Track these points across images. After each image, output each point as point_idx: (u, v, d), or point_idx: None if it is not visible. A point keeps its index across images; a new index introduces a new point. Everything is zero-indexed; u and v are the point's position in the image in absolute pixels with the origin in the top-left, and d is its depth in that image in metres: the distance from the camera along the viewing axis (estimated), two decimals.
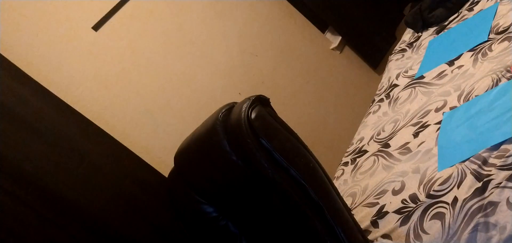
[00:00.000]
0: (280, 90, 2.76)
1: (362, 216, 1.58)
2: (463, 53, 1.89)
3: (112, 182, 1.85)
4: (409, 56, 2.30)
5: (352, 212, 1.62)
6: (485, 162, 1.34)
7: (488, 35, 1.83)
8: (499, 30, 1.80)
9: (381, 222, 1.51)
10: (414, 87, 1.99)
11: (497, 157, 1.32)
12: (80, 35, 2.16)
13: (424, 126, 1.71)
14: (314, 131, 2.76)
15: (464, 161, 1.40)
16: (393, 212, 1.49)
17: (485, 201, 1.25)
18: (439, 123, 1.65)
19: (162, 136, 2.24)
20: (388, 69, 2.37)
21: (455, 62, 1.89)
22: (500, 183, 1.25)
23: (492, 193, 1.25)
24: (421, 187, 1.47)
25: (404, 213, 1.45)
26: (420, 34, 2.37)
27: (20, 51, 1.91)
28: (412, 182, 1.52)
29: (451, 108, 1.66)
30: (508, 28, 1.75)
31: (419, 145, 1.64)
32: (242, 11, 2.73)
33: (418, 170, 1.54)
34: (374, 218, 1.54)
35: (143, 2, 2.38)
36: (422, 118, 1.76)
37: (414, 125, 1.77)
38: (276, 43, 2.84)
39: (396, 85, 2.15)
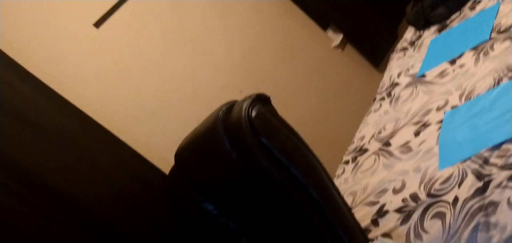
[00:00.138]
0: (281, 88, 2.76)
1: (363, 215, 1.58)
2: (464, 52, 1.88)
3: (112, 179, 1.86)
4: (410, 55, 2.29)
5: (353, 211, 1.62)
6: (486, 161, 1.34)
7: (490, 34, 1.82)
8: (501, 29, 1.79)
9: (381, 221, 1.51)
10: (416, 86, 1.98)
11: (498, 157, 1.32)
12: (82, 32, 2.17)
13: (425, 125, 1.70)
14: (315, 129, 2.76)
15: (465, 161, 1.40)
16: (393, 211, 1.49)
17: (486, 201, 1.24)
18: (440, 122, 1.64)
19: (162, 133, 2.24)
20: (390, 67, 2.37)
21: (456, 61, 1.88)
22: (501, 183, 1.24)
23: (493, 193, 1.24)
24: (422, 186, 1.47)
25: (404, 212, 1.45)
26: (422, 32, 2.37)
27: (21, 48, 1.91)
28: (412, 181, 1.52)
29: (452, 107, 1.66)
30: (510, 27, 1.74)
31: (420, 144, 1.64)
32: (243, 8, 2.73)
33: (419, 169, 1.54)
34: (374, 217, 1.54)
35: (145, 0, 2.38)
36: (423, 117, 1.75)
37: (415, 124, 1.77)
38: (278, 41, 2.83)
39: (397, 84, 2.14)
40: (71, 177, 1.76)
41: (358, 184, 1.78)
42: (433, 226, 1.33)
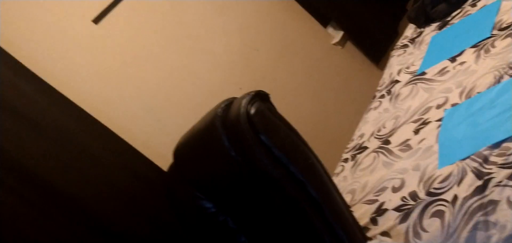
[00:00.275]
0: (281, 85, 2.75)
1: (361, 213, 1.58)
2: (465, 50, 1.87)
3: (111, 176, 1.85)
4: (411, 52, 2.28)
5: (352, 209, 1.62)
6: (486, 160, 1.33)
7: (491, 31, 1.81)
8: (503, 26, 1.78)
9: (380, 220, 1.50)
10: (416, 84, 1.97)
11: (498, 155, 1.31)
12: (80, 28, 2.15)
13: (425, 123, 1.69)
14: (315, 126, 2.75)
15: (464, 159, 1.39)
16: (392, 209, 1.49)
17: (486, 200, 1.24)
18: (440, 120, 1.63)
19: (161, 130, 2.23)
20: (390, 65, 2.36)
21: (457, 58, 1.87)
22: (501, 181, 1.24)
23: (492, 191, 1.24)
24: (421, 184, 1.46)
25: (403, 211, 1.44)
26: (422, 29, 2.36)
27: (18, 44, 1.90)
28: (412, 179, 1.51)
29: (452, 105, 1.65)
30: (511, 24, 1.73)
31: (419, 142, 1.63)
32: (243, 5, 2.71)
33: (418, 167, 1.53)
34: (373, 215, 1.54)
35: None
36: (423, 115, 1.75)
37: (415, 121, 1.76)
38: (277, 38, 2.82)
39: (397, 81, 2.13)
40: (70, 174, 1.75)
41: (357, 182, 1.77)
42: (432, 224, 1.32)
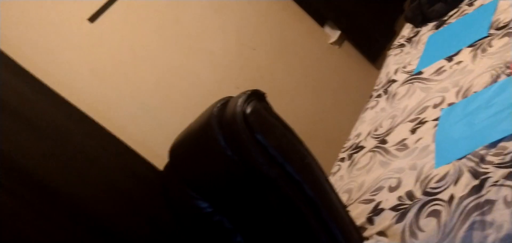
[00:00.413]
0: (278, 85, 2.74)
1: (358, 213, 1.57)
2: (462, 49, 1.87)
3: (107, 176, 1.84)
4: (408, 51, 2.28)
5: (348, 209, 1.61)
6: (482, 159, 1.33)
7: (488, 31, 1.81)
8: (499, 26, 1.78)
9: (376, 219, 1.50)
10: (413, 83, 1.97)
11: (495, 155, 1.31)
12: (76, 26, 2.14)
13: (422, 123, 1.69)
14: (311, 126, 2.75)
15: (461, 159, 1.38)
16: (389, 209, 1.48)
17: (482, 199, 1.23)
18: (437, 119, 1.63)
19: (158, 129, 2.22)
20: (387, 64, 2.36)
21: (454, 58, 1.87)
22: (497, 181, 1.23)
23: (489, 191, 1.24)
24: (418, 184, 1.46)
25: (400, 210, 1.44)
26: (419, 29, 2.35)
27: (14, 43, 1.89)
28: (408, 179, 1.51)
29: (449, 105, 1.64)
30: (509, 23, 1.73)
31: (416, 142, 1.63)
32: (239, 4, 2.71)
33: (415, 167, 1.53)
34: (369, 215, 1.53)
35: None
36: (420, 114, 1.74)
37: (411, 121, 1.75)
38: (274, 37, 2.81)
39: (394, 81, 2.13)
40: (66, 174, 1.74)
41: (354, 182, 1.77)
42: (428, 224, 1.32)
